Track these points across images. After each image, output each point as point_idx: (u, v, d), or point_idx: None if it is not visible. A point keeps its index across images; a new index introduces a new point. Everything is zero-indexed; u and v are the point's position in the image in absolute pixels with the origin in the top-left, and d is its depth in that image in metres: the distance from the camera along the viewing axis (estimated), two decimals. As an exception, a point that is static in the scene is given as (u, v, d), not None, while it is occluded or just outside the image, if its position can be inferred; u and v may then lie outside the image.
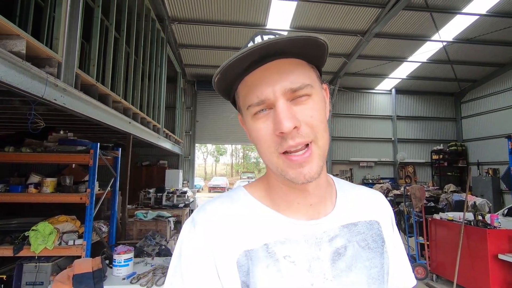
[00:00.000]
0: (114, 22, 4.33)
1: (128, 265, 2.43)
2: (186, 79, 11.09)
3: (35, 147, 3.54)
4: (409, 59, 9.74)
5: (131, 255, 2.48)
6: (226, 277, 0.52)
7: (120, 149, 4.49)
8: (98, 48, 3.89)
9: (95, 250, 3.48)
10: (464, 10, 7.30)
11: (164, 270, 2.52)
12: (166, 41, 7.39)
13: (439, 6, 7.22)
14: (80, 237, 3.36)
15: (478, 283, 3.90)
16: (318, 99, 0.53)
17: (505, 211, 5.98)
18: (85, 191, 3.44)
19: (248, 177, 23.90)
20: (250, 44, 0.52)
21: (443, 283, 4.55)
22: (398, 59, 9.79)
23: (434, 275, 4.69)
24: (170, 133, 8.27)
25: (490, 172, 10.36)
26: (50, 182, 3.47)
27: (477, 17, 7.50)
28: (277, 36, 0.49)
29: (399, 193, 7.87)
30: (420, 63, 9.98)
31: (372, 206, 0.65)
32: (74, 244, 3.28)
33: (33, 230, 3.15)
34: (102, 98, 3.78)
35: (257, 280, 0.51)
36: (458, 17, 7.58)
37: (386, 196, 8.17)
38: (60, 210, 3.78)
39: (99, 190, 3.91)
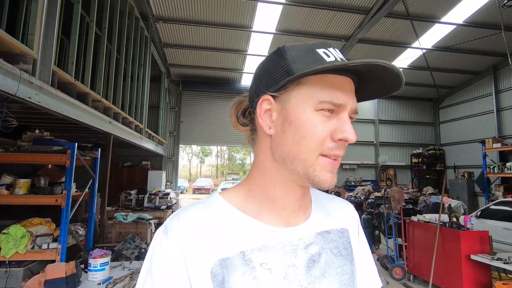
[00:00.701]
0: (95, 19, 4.22)
1: (104, 269, 2.36)
2: (171, 79, 10.95)
3: (8, 147, 3.39)
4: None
5: (107, 259, 2.41)
6: (199, 287, 0.51)
7: (100, 149, 4.38)
8: (77, 45, 3.77)
9: (72, 254, 3.36)
10: (442, 20, 7.59)
11: (142, 274, 2.47)
12: (150, 40, 7.26)
13: (420, 15, 7.48)
14: (55, 240, 3.24)
15: (452, 283, 4.04)
16: None
17: (479, 213, 6.24)
18: (61, 193, 3.32)
19: (233, 179, 23.82)
20: (332, 50, 0.55)
21: (419, 283, 4.69)
22: (381, 65, 10.03)
23: (411, 276, 4.82)
24: (153, 134, 8.12)
25: (466, 175, 10.78)
26: (23, 183, 3.33)
27: (455, 26, 7.82)
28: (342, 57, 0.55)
29: (379, 195, 8.06)
30: (401, 69, 10.26)
31: (343, 215, 0.68)
32: (48, 248, 3.15)
33: (3, 233, 3.01)
34: (81, 97, 3.67)
35: None
36: (437, 26, 7.87)
37: (368, 198, 8.35)
38: (35, 212, 3.64)
39: (76, 191, 3.79)
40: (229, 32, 8.13)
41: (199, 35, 8.34)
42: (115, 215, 4.85)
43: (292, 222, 0.59)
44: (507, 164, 8.73)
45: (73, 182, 3.41)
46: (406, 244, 5.06)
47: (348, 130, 0.52)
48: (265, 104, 0.57)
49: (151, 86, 8.32)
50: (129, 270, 2.63)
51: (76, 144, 3.43)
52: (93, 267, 2.32)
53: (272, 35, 8.22)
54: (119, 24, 5.22)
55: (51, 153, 3.37)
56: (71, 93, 3.38)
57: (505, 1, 6.29)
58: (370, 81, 0.56)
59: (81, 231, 3.88)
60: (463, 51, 8.93)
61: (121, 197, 6.72)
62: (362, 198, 8.77)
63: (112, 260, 3.03)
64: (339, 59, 0.53)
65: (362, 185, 10.04)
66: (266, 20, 7.63)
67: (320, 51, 0.54)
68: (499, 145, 8.94)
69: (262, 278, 0.52)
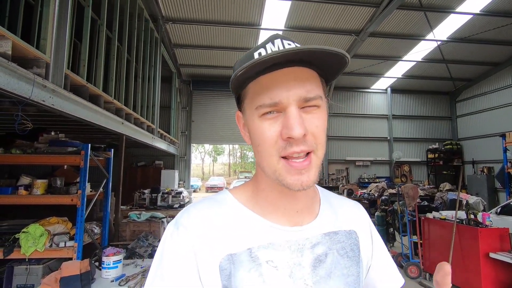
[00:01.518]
0: (106, 22, 4.31)
1: (117, 267, 2.42)
2: (182, 79, 11.06)
3: (25, 149, 3.51)
4: (404, 59, 9.76)
5: (120, 257, 2.46)
6: (208, 280, 0.52)
7: (113, 150, 4.47)
8: (89, 48, 3.86)
9: (88, 251, 3.46)
10: (457, 9, 7.32)
11: (153, 272, 2.51)
12: (160, 41, 7.35)
13: (433, 5, 7.23)
14: (71, 239, 3.34)
15: (470, 282, 3.92)
16: (324, 111, 0.54)
17: (499, 209, 6.01)
18: (76, 193, 3.42)
19: (245, 177, 23.90)
20: (270, 46, 0.54)
21: (436, 282, 4.57)
22: (393, 58, 9.81)
23: (427, 274, 4.71)
24: (165, 134, 8.24)
25: (485, 170, 10.41)
26: (40, 184, 3.44)
27: (471, 16, 7.52)
28: (298, 45, 0.52)
29: (394, 192, 7.89)
30: (415, 62, 10.01)
31: (352, 217, 0.67)
32: (65, 246, 3.25)
33: (23, 232, 3.12)
34: (93, 99, 3.75)
35: (239, 284, 0.52)
36: (452, 16, 7.60)
37: (381, 195, 8.20)
38: (52, 212, 3.76)
39: (91, 191, 3.89)
40: (238, 30, 8.12)
41: (208, 34, 8.38)
42: (129, 214, 4.96)
43: (299, 221, 0.59)
44: (530, 158, 8.37)
45: (88, 182, 3.51)
46: (421, 242, 4.93)
47: (290, 125, 0.48)
48: (240, 119, 0.62)
49: (162, 87, 8.42)
50: (141, 268, 2.68)
51: (90, 145, 3.52)
52: (106, 264, 2.38)
53: (281, 32, 8.15)
54: (129, 26, 5.30)
55: (66, 154, 3.47)
56: (84, 95, 3.46)
57: (525, -12, 6.00)
58: (319, 63, 0.53)
59: (97, 230, 3.98)
60: (481, 41, 8.58)
61: (135, 196, 6.86)
62: (376, 195, 8.62)
63: (126, 258, 3.10)
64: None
65: (376, 182, 9.86)
66: (275, 17, 7.58)
67: (256, 53, 0.54)
68: (520, 138, 8.57)
69: (267, 275, 0.53)
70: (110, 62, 4.70)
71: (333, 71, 0.56)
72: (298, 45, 0.52)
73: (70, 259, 3.21)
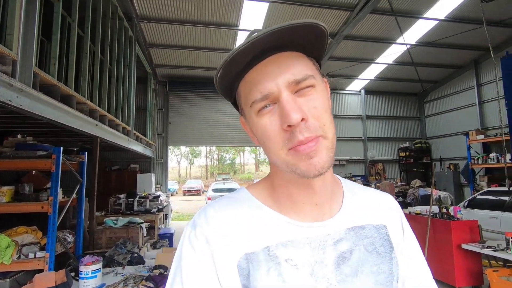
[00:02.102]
0: (77, 19, 4.08)
1: (96, 276, 2.28)
2: (157, 79, 10.76)
3: (-12, 153, 3.24)
4: (376, 61, 10.15)
5: (99, 265, 2.32)
6: (227, 280, 0.51)
7: (87, 153, 4.25)
8: (59, 46, 3.63)
9: (61, 262, 3.25)
10: (425, 15, 7.74)
11: (136, 280, 2.39)
12: (135, 40, 7.11)
13: (403, 11, 7.60)
14: (42, 249, 3.12)
15: (445, 273, 4.13)
16: (321, 90, 0.52)
17: (466, 203, 6.41)
18: (47, 199, 3.20)
19: (223, 179, 23.65)
20: (247, 39, 0.50)
21: (412, 274, 4.77)
22: (367, 61, 10.18)
23: (404, 267, 4.90)
24: (141, 136, 7.97)
25: (452, 167, 11.07)
26: (6, 191, 3.18)
27: (437, 22, 7.99)
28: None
29: (370, 189, 8.16)
30: (386, 65, 10.44)
31: (380, 209, 0.63)
32: (35, 257, 3.03)
33: (-13, 244, 2.87)
34: (65, 99, 3.54)
35: (258, 284, 0.50)
36: (420, 22, 8.02)
37: (358, 193, 8.45)
38: (20, 221, 3.49)
39: (63, 197, 3.67)
40: (216, 31, 8.05)
41: (184, 34, 8.23)
42: (104, 220, 4.73)
43: (319, 216, 0.56)
44: (490, 155, 9.01)
45: (60, 187, 3.30)
46: (398, 236, 5.13)
47: (286, 113, 0.46)
48: (244, 124, 0.60)
49: (137, 87, 8.15)
50: (122, 275, 2.55)
51: (62, 148, 3.31)
52: (84, 274, 2.23)
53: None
54: (103, 24, 5.07)
55: (35, 158, 3.25)
56: (55, 95, 3.25)
57: (484, -4, 6.46)
58: (299, 43, 0.50)
59: (70, 238, 3.75)
60: (446, 45, 9.13)
61: (110, 201, 6.57)
62: (353, 193, 8.87)
63: (104, 266, 2.94)
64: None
65: (353, 181, 10.15)
66: (253, 18, 7.59)
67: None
68: (482, 136, 9.21)
69: (287, 274, 0.51)
70: (82, 61, 4.47)
71: (317, 47, 0.53)
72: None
73: (42, 271, 2.99)
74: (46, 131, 4.69)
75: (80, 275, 2.27)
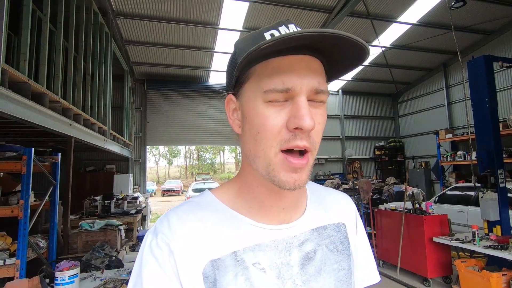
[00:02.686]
0: (49, 13, 3.89)
1: (73, 281, 2.19)
2: (135, 77, 10.46)
3: (-50, 155, 3.02)
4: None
5: (76, 270, 2.24)
6: None
7: (60, 154, 4.06)
8: (29, 41, 3.45)
9: (33, 268, 3.09)
10: (399, 19, 8.07)
11: (116, 283, 2.33)
12: (110, 37, 6.86)
13: (379, 14, 7.89)
14: (12, 255, 2.96)
15: (417, 265, 4.34)
16: (325, 108, 0.52)
17: (436, 199, 6.76)
18: (17, 203, 3.03)
19: (203, 179, 23.43)
20: (284, 29, 0.50)
21: (388, 268, 4.98)
22: (344, 62, 10.44)
23: (380, 261, 5.10)
24: (118, 136, 7.71)
25: (423, 164, 11.63)
26: (-29, 195, 2.98)
27: (410, 26, 8.36)
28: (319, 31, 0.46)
29: (348, 187, 8.41)
30: (363, 66, 10.78)
31: (339, 208, 0.66)
32: (4, 264, 2.87)
33: (-51, 252, 2.68)
34: (36, 98, 3.36)
35: None
36: (394, 25, 8.36)
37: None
38: (-14, 226, 3.28)
39: (35, 200, 3.50)
40: (195, 29, 7.95)
41: (163, 32, 8.05)
42: (80, 223, 4.55)
43: (286, 219, 0.56)
44: (458, 152, 9.57)
45: (31, 190, 3.13)
46: (374, 232, 5.33)
47: (302, 115, 0.45)
48: (231, 104, 0.56)
49: (113, 86, 7.86)
50: (101, 280, 2.47)
51: (33, 149, 3.15)
52: (60, 280, 2.14)
53: (239, 33, 8.18)
54: (76, 19, 4.85)
55: (3, 160, 3.07)
56: (25, 93, 3.08)
57: (452, 3, 6.84)
58: (333, 55, 0.50)
59: (43, 243, 3.57)
60: (417, 49, 9.58)
61: (85, 204, 6.32)
62: (332, 191, 9.07)
63: (80, 271, 2.83)
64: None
65: (331, 179, 10.40)
66: (233, 17, 7.57)
67: (268, 33, 0.50)
68: (450, 135, 9.75)
69: (255, 278, 0.50)
70: (54, 57, 4.26)
71: (342, 66, 0.53)
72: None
73: (12, 278, 2.84)
74: (13, 131, 4.44)
75: (55, 281, 2.17)
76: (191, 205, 0.56)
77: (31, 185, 3.09)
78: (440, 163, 10.12)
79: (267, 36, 0.50)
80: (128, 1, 6.73)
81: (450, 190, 6.72)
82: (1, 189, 3.20)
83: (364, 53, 0.47)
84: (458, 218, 5.81)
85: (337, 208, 0.65)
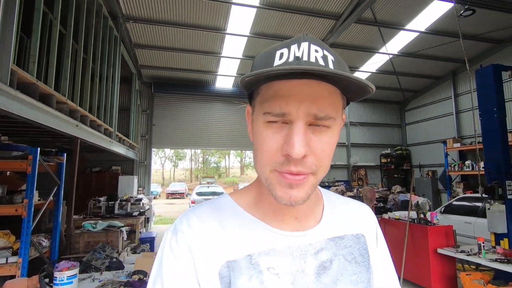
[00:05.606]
0: (60, 17, 3.98)
1: (71, 282, 2.20)
2: (142, 80, 10.60)
3: (-41, 153, 3.08)
4: (360, 69, 10.42)
5: (75, 271, 2.25)
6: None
7: (66, 154, 4.12)
8: (40, 43, 3.53)
9: (35, 267, 3.12)
10: (407, 27, 8.03)
11: (114, 285, 2.33)
12: (120, 40, 6.98)
13: (386, 22, 7.86)
14: (15, 254, 2.99)
15: (421, 277, 4.25)
16: (335, 132, 0.50)
17: (442, 209, 6.64)
18: (22, 202, 3.07)
19: (208, 182, 23.49)
20: (294, 48, 0.48)
21: (391, 278, 4.88)
22: (351, 69, 10.36)
23: (383, 271, 5.00)
24: (124, 137, 7.79)
25: (430, 173, 11.45)
26: (-23, 193, 3.04)
27: (418, 34, 8.31)
28: (326, 53, 0.48)
29: (352, 194, 8.32)
30: (369, 73, 10.73)
31: (359, 219, 0.65)
32: (6, 262, 2.90)
33: (-46, 249, 2.72)
34: (44, 99, 3.42)
35: None
36: (402, 33, 8.32)
37: (341, 198, 8.58)
38: (-9, 224, 3.33)
39: (39, 200, 3.54)
40: (203, 34, 8.03)
41: (171, 36, 8.16)
42: (83, 223, 4.59)
43: (301, 226, 0.57)
44: (466, 162, 9.40)
45: (36, 190, 3.18)
46: (378, 241, 5.24)
47: (292, 143, 0.45)
48: (249, 115, 0.58)
49: (121, 88, 7.97)
50: (99, 281, 2.48)
51: (39, 149, 3.20)
52: (59, 280, 2.16)
53: (246, 38, 8.24)
54: (86, 23, 4.96)
55: (10, 159, 3.12)
56: (33, 94, 3.14)
57: (461, 11, 6.79)
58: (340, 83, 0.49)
59: (45, 243, 3.61)
60: (425, 57, 9.50)
61: (90, 204, 6.37)
62: (336, 198, 8.99)
63: (81, 272, 2.85)
64: (291, 59, 0.47)
65: (336, 186, 10.32)
66: (240, 23, 7.63)
67: (279, 52, 0.49)
68: (458, 144, 9.61)
69: (269, 282, 0.51)
70: (63, 59, 4.34)
71: (353, 95, 0.52)
72: (326, 53, 0.49)
73: (14, 276, 2.86)
74: (21, 131, 4.52)
75: (54, 281, 2.18)
76: (210, 206, 0.58)
77: (35, 184, 3.13)
78: (448, 173, 9.96)
79: (277, 55, 0.49)
80: (138, 6, 6.85)
81: (457, 200, 6.60)
82: (6, 188, 3.25)
83: (367, 90, 0.47)
84: (465, 229, 5.69)
85: (356, 219, 0.65)
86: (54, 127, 3.63)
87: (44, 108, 3.34)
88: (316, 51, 0.48)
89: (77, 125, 4.33)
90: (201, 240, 0.53)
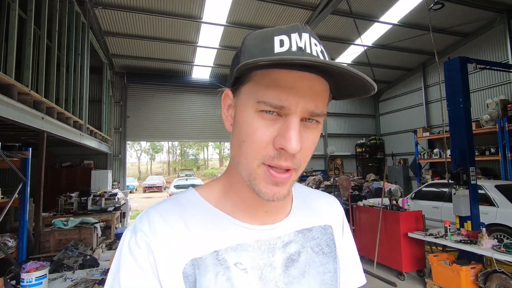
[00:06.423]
0: (19, 0, 3.67)
1: (41, 283, 2.09)
2: (114, 70, 10.13)
3: None
4: (336, 60, 10.57)
5: (44, 271, 2.14)
6: None
7: (31, 149, 3.88)
8: (-4, 29, 3.24)
9: (1, 269, 2.94)
10: (381, 19, 8.22)
11: (87, 284, 2.25)
12: (88, 27, 6.59)
13: (361, 13, 7.99)
14: (-24, 256, 2.80)
15: (393, 260, 4.48)
16: (320, 130, 0.50)
17: (413, 195, 6.99)
18: (-18, 201, 2.87)
19: (186, 175, 23.15)
20: (296, 37, 0.46)
21: (365, 263, 5.10)
22: (327, 60, 10.54)
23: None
24: (96, 130, 7.45)
25: (402, 161, 11.99)
26: None
27: (391, 26, 8.53)
28: (323, 49, 0.48)
29: (329, 184, 8.55)
30: (345, 65, 10.89)
31: (326, 211, 0.65)
32: (-32, 265, 2.71)
33: None
34: (4, 89, 3.18)
35: None
36: (376, 25, 8.50)
37: (318, 187, 8.80)
38: None
39: (2, 198, 3.32)
40: (178, 22, 7.77)
41: (144, 24, 7.82)
42: (53, 221, 4.38)
43: (270, 220, 0.56)
44: (434, 150, 9.92)
45: (-2, 187, 2.97)
46: (354, 227, 5.45)
47: (289, 138, 0.43)
48: (227, 99, 0.54)
49: (91, 78, 7.58)
50: (72, 281, 2.38)
51: (0, 143, 2.98)
52: (27, 282, 2.04)
53: (223, 27, 8.07)
54: (49, 7, 4.62)
55: (-34, 155, 2.88)
56: (-10, 84, 2.90)
57: (431, 5, 7.03)
58: (339, 80, 0.48)
59: (11, 243, 3.41)
60: (398, 49, 9.80)
61: (60, 201, 6.09)
62: (314, 187, 9.21)
63: (51, 272, 2.72)
64: (294, 49, 0.45)
65: (313, 175, 10.54)
66: (217, 12, 7.45)
67: (277, 38, 0.47)
68: (427, 134, 10.09)
69: (236, 279, 0.49)
70: (24, 47, 4.03)
71: (347, 93, 0.51)
72: (322, 48, 0.48)
73: (-24, 280, 2.68)
74: (-19, 124, 4.18)
75: (22, 283, 2.06)
76: (173, 203, 0.55)
77: (-3, 181, 2.93)
78: (418, 161, 10.46)
79: (277, 41, 0.46)
80: (107, -10, 6.48)
81: (426, 186, 6.96)
82: (-36, 186, 3.01)
83: (370, 89, 0.46)
84: (433, 213, 6.03)
85: (323, 211, 0.65)
86: (17, 120, 3.39)
87: (4, 99, 3.10)
88: (315, 44, 0.47)
89: (42, 118, 4.07)
90: (163, 239, 0.50)
